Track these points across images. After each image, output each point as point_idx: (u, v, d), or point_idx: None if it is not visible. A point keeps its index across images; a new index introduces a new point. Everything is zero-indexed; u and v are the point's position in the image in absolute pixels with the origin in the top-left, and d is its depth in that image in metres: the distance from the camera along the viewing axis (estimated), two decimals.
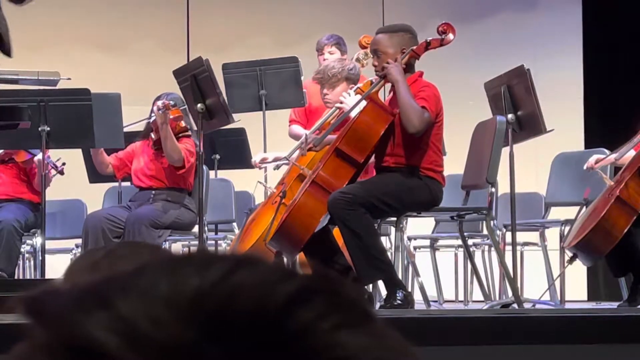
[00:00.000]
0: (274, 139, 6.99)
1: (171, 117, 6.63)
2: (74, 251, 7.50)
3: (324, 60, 6.94)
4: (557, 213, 7.13)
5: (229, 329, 0.56)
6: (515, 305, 5.57)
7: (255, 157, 6.46)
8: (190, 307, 0.56)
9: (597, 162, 6.21)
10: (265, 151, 6.77)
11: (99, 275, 0.59)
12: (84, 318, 0.56)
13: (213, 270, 0.57)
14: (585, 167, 6.28)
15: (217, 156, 7.72)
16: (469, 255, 6.42)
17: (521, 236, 7.13)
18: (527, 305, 5.84)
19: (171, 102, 6.64)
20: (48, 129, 6.08)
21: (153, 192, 6.79)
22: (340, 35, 7.03)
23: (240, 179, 7.70)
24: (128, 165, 6.94)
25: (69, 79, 6.24)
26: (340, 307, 0.58)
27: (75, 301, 0.57)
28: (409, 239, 7.19)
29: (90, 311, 0.56)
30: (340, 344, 0.57)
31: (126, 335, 0.55)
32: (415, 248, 7.73)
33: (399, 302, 5.03)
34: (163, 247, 6.22)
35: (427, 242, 7.69)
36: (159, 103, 6.64)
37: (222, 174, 7.82)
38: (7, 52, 4.31)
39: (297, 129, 6.87)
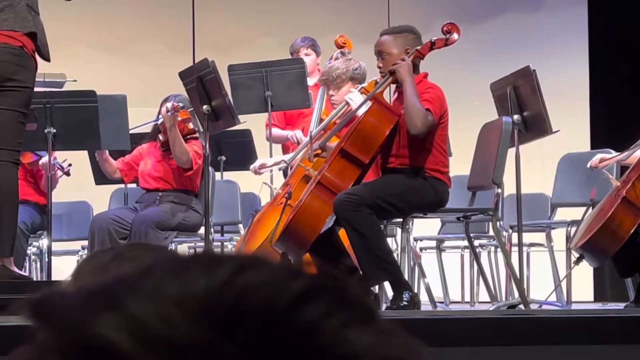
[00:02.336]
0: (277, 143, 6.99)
1: (179, 119, 6.63)
2: (80, 253, 7.50)
3: None
4: (564, 214, 7.12)
5: (239, 328, 0.56)
6: (521, 306, 5.56)
7: (255, 163, 6.46)
8: (200, 307, 0.56)
9: (601, 161, 6.20)
10: (270, 153, 6.77)
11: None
12: (94, 318, 0.56)
13: (220, 271, 0.58)
14: (588, 166, 6.26)
15: (223, 157, 7.72)
16: (475, 256, 6.42)
17: (527, 237, 7.13)
18: (533, 306, 5.83)
19: (180, 103, 6.65)
20: (54, 130, 6.08)
21: (160, 193, 6.79)
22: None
23: (246, 181, 7.70)
24: (135, 168, 6.94)
25: (75, 80, 6.25)
26: (346, 305, 0.58)
27: (84, 302, 0.57)
28: (415, 240, 7.18)
29: (100, 311, 0.56)
30: (348, 341, 0.57)
31: (138, 335, 0.55)
32: (421, 249, 7.72)
33: (405, 303, 5.03)
34: (170, 249, 6.23)
35: (433, 243, 7.69)
36: (168, 105, 6.64)
37: (228, 175, 7.82)
38: (46, 57, 4.40)
39: (278, 131, 6.89)
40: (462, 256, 7.93)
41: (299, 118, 6.90)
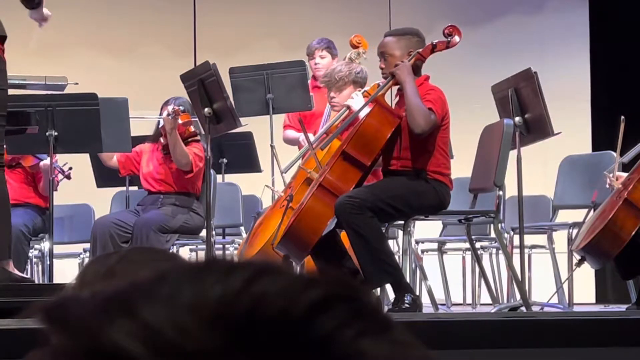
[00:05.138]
0: (281, 142, 6.99)
1: (180, 122, 6.63)
2: (81, 256, 7.51)
3: (315, 64, 6.99)
4: (565, 216, 7.12)
5: (253, 337, 0.56)
6: (523, 308, 5.56)
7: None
8: (215, 315, 0.56)
9: (614, 177, 6.13)
10: (272, 155, 6.77)
11: (114, 280, 0.59)
12: (108, 325, 0.56)
13: (235, 278, 0.57)
14: (607, 186, 6.12)
15: (225, 160, 7.72)
16: (477, 259, 6.42)
17: (529, 239, 7.12)
18: (535, 308, 5.83)
19: (180, 107, 6.65)
20: (55, 133, 6.08)
21: (161, 196, 6.79)
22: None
23: (247, 183, 7.70)
24: (134, 164, 6.93)
25: (77, 83, 6.24)
26: (362, 314, 0.58)
27: (99, 308, 0.57)
28: (417, 242, 7.18)
29: (114, 318, 0.56)
30: (363, 351, 0.57)
31: (151, 343, 0.55)
32: (422, 251, 7.72)
33: (407, 305, 5.03)
34: (174, 252, 6.22)
35: (434, 246, 7.69)
36: (169, 108, 6.64)
37: (230, 178, 7.82)
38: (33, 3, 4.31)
39: (292, 133, 6.89)
40: (463, 258, 7.93)
41: (314, 119, 6.86)
